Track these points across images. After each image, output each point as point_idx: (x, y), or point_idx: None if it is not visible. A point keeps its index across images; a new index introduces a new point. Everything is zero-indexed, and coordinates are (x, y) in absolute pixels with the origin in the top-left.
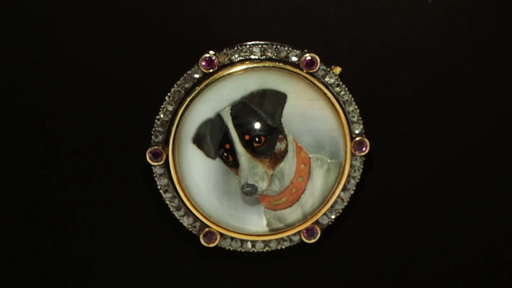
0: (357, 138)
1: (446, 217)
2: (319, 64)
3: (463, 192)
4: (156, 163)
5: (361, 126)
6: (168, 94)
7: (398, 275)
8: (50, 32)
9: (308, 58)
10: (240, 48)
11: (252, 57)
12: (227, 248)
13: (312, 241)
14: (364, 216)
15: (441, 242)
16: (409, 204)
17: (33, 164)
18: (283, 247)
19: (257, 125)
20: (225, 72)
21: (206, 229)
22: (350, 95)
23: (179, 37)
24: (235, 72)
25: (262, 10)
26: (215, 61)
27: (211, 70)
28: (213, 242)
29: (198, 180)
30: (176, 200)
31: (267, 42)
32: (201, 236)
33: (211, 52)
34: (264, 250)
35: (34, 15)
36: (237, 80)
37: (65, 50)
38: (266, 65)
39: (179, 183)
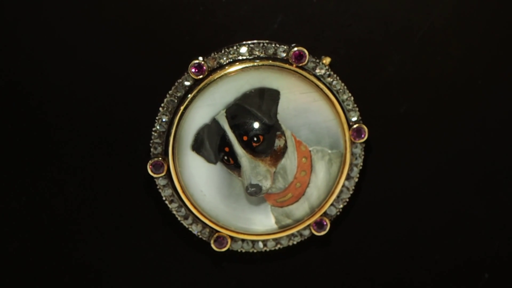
0: (355, 126)
1: (452, 197)
2: (307, 57)
3: (465, 169)
4: (158, 175)
5: (358, 113)
6: (162, 104)
7: (410, 258)
8: (48, 32)
9: (296, 52)
10: (227, 50)
11: (241, 57)
12: (239, 250)
13: (322, 233)
14: (370, 203)
15: (450, 223)
16: (415, 186)
17: (38, 177)
18: (295, 242)
19: (254, 125)
20: (216, 76)
21: (216, 234)
22: (343, 84)
23: (165, 46)
24: (225, 75)
25: (245, 11)
26: (204, 67)
27: (201, 76)
28: (225, 247)
29: (202, 186)
30: (183, 209)
31: (254, 41)
32: (212, 241)
33: (200, 58)
34: (276, 248)
35: (34, 15)
36: (229, 83)
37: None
38: (256, 64)
39: (183, 192)
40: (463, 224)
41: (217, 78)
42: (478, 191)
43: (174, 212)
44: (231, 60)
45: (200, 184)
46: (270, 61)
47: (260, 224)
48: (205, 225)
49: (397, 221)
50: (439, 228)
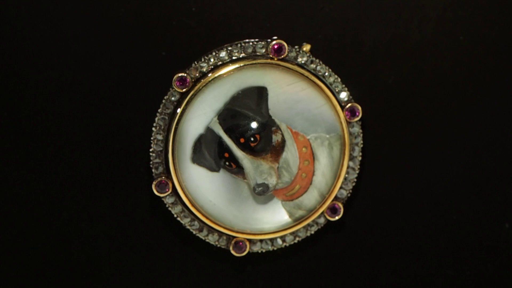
0: (348, 106)
1: (450, 165)
2: (287, 48)
3: (459, 136)
4: (164, 194)
5: (347, 93)
6: (154, 124)
7: (426, 227)
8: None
9: (275, 45)
10: (207, 58)
11: (221, 62)
12: (259, 251)
13: (337, 217)
14: (376, 179)
15: (451, 195)
16: (420, 155)
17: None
18: (312, 232)
19: (248, 125)
20: (201, 85)
21: (234, 240)
22: (327, 67)
23: (146, 63)
24: (210, 82)
25: (217, 15)
26: (187, 79)
27: (186, 89)
28: (244, 251)
29: (210, 196)
30: (196, 222)
31: (231, 43)
32: (231, 248)
33: (182, 71)
34: (295, 241)
35: (34, 14)
36: (215, 89)
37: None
38: (238, 65)
39: (192, 205)
40: (477, 190)
41: (202, 87)
42: (478, 153)
43: (188, 227)
44: (213, 66)
45: (208, 194)
46: (251, 60)
47: (274, 221)
48: (221, 234)
49: (404, 191)
50: (445, 194)
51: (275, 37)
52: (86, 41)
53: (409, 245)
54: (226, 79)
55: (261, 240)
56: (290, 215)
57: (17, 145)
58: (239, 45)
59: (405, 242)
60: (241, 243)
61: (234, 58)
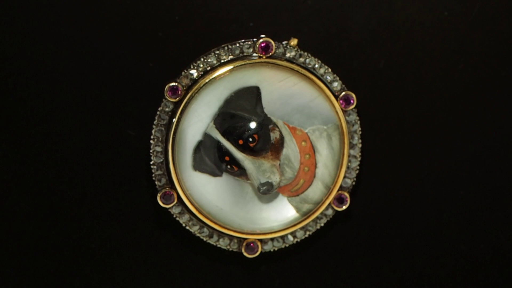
0: (342, 95)
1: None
2: (274, 45)
3: (453, 116)
4: (170, 205)
5: (340, 82)
6: (151, 137)
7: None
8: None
9: (262, 43)
10: (195, 64)
11: (211, 67)
12: (271, 250)
13: (345, 207)
14: (379, 165)
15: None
16: (419, 139)
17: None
18: (322, 224)
19: (245, 127)
20: (193, 92)
21: (245, 242)
22: (316, 59)
23: (136, 76)
24: (202, 88)
25: (201, 21)
26: (179, 88)
27: (178, 98)
28: (257, 251)
29: (216, 202)
30: (205, 229)
31: (218, 47)
32: (243, 250)
33: (172, 81)
34: (306, 235)
35: (34, 13)
36: (208, 95)
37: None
38: (227, 68)
39: (200, 212)
40: (478, 179)
41: (195, 95)
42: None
43: (198, 235)
44: (203, 72)
45: (213, 200)
46: (240, 61)
47: (283, 219)
48: (231, 237)
49: (410, 175)
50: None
51: (263, 35)
52: (75, 59)
53: (420, 224)
54: (217, 83)
55: (272, 239)
56: (298, 210)
57: (21, 175)
58: (226, 48)
59: (415, 222)
60: (252, 244)
61: (222, 61)
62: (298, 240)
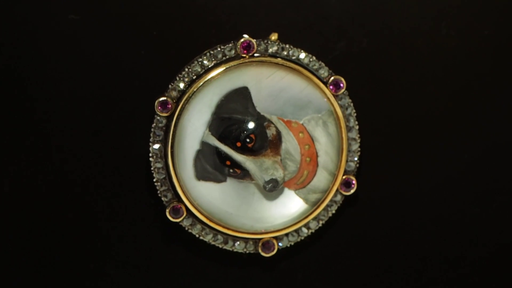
0: (330, 80)
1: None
2: (255, 43)
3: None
4: (180, 218)
5: (326, 68)
6: (150, 154)
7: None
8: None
9: (243, 43)
10: (181, 75)
11: (196, 76)
12: (288, 246)
13: (352, 191)
14: (379, 144)
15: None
16: (412, 110)
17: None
18: (333, 211)
19: (240, 128)
20: (183, 103)
21: (261, 242)
22: (299, 50)
23: (124, 97)
24: (191, 98)
25: (179, 31)
26: (168, 101)
27: (169, 112)
28: (273, 249)
29: (225, 207)
30: (219, 236)
31: (200, 55)
32: (260, 251)
33: (161, 95)
34: (320, 225)
35: (34, 13)
36: (198, 103)
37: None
38: (213, 74)
39: (211, 221)
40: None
41: (185, 105)
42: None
43: (213, 243)
44: (189, 82)
45: (223, 206)
46: (224, 65)
47: (293, 212)
48: (246, 240)
49: (411, 151)
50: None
51: (245, 35)
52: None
53: (430, 190)
54: (206, 90)
55: (286, 234)
56: (307, 201)
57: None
58: (208, 54)
59: (425, 191)
60: (268, 243)
61: (207, 68)
62: (313, 231)
